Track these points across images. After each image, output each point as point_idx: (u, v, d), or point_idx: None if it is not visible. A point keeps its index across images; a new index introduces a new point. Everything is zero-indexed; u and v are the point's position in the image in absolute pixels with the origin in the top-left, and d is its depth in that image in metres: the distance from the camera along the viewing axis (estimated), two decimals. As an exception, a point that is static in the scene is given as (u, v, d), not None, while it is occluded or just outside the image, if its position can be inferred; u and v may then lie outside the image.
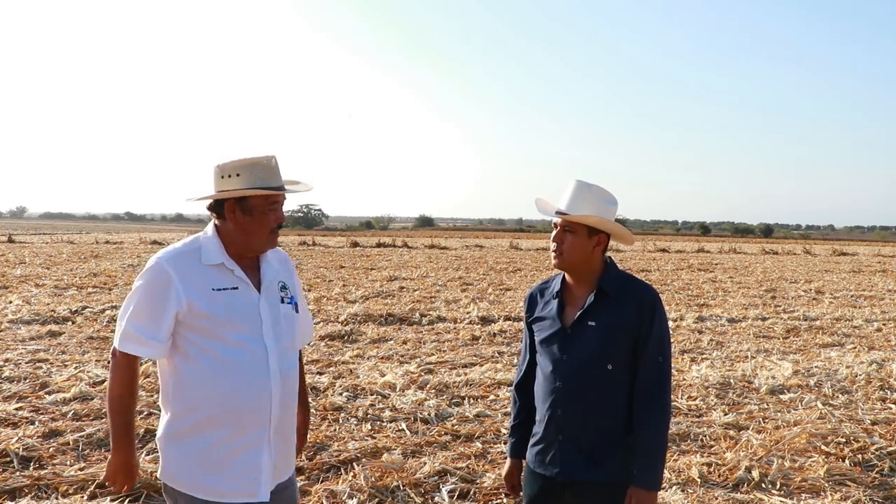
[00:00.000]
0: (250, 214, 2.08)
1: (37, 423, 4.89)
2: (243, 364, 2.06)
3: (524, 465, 2.40)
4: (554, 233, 2.23)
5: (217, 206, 2.13)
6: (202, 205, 2.20)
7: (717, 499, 4.01)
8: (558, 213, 2.22)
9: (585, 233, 2.20)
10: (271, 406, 2.10)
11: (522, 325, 2.50)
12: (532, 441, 2.34)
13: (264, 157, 2.09)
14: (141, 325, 2.02)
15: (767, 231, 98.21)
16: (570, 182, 2.24)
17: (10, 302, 10.73)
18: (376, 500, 3.87)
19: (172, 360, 2.09)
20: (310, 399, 2.60)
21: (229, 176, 2.06)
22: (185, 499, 2.08)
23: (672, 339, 8.89)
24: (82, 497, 3.78)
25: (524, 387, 2.42)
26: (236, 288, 2.09)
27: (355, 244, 32.10)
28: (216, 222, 2.15)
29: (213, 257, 2.09)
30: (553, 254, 2.24)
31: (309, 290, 13.22)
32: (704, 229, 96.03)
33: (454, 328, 9.47)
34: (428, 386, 6.19)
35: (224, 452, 2.07)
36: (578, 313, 2.21)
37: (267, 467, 2.11)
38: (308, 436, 2.54)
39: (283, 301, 2.20)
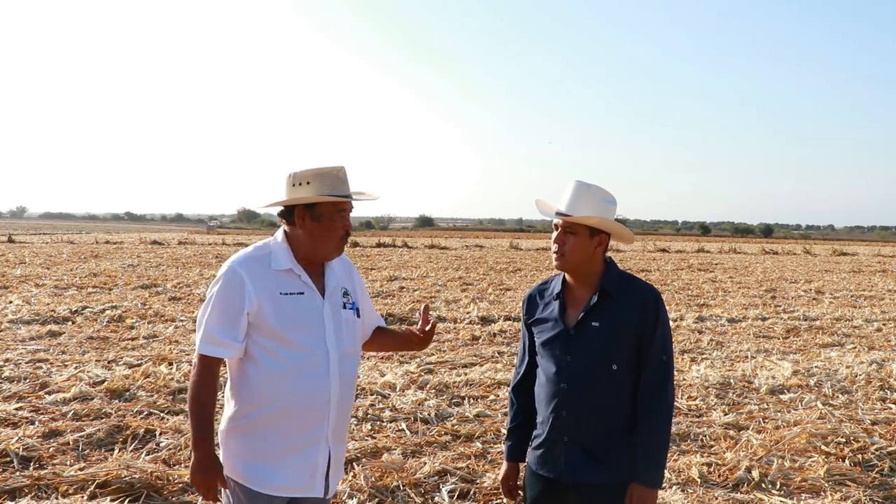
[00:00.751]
0: (319, 221, 2.17)
1: (37, 423, 4.89)
2: (305, 367, 2.15)
3: (525, 467, 2.39)
4: (555, 234, 2.23)
5: (287, 213, 2.21)
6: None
7: (717, 499, 4.01)
8: (559, 214, 2.22)
9: (587, 233, 2.19)
10: (329, 408, 2.19)
11: (521, 326, 2.49)
12: (534, 443, 2.33)
13: (334, 167, 2.18)
14: (219, 327, 2.12)
15: (767, 231, 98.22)
16: (570, 182, 2.23)
17: (10, 302, 10.73)
18: (376, 500, 3.87)
19: (240, 360, 2.18)
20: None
21: (300, 184, 2.16)
22: (241, 489, 2.17)
23: (672, 339, 8.82)
24: (82, 497, 3.78)
25: (522, 389, 2.42)
26: (302, 293, 2.19)
27: (355, 244, 32.10)
28: (286, 228, 2.24)
29: (282, 263, 2.18)
30: (555, 255, 2.23)
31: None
32: (704, 229, 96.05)
33: (454, 328, 9.47)
34: (428, 386, 6.19)
35: (283, 449, 2.16)
36: (581, 314, 2.21)
37: (322, 466, 2.21)
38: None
39: (345, 307, 2.29)
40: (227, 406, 2.23)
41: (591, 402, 2.18)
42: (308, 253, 2.21)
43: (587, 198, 2.20)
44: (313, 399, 2.15)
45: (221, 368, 2.22)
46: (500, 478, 2.48)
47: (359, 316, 2.35)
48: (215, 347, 2.12)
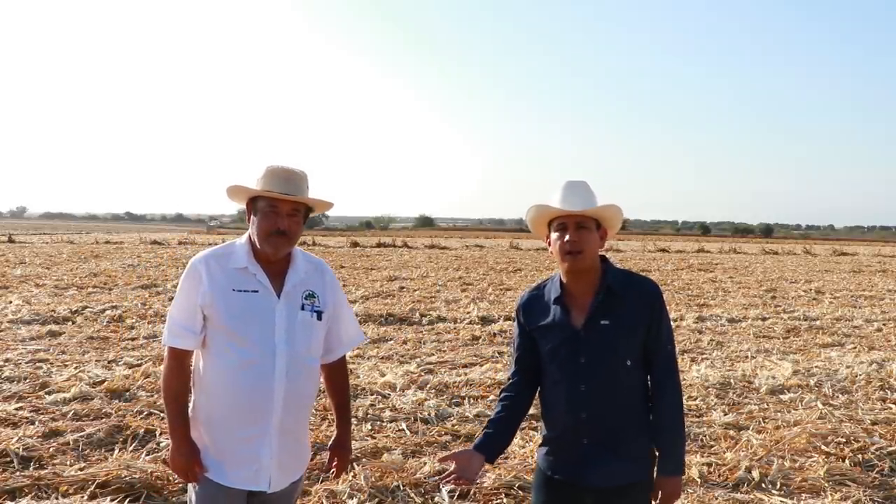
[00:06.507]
0: (255, 214, 2.25)
1: (37, 423, 4.89)
2: (250, 363, 2.18)
3: (535, 472, 2.37)
4: (568, 234, 2.17)
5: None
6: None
7: (717, 499, 4.01)
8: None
9: (595, 227, 2.21)
10: (273, 406, 2.20)
11: (514, 332, 2.40)
12: (547, 448, 2.29)
13: (288, 169, 2.23)
14: (178, 319, 2.23)
15: (767, 231, 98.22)
16: (561, 183, 2.23)
17: (10, 302, 10.73)
18: (376, 500, 3.87)
19: (199, 353, 2.27)
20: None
21: (259, 179, 2.24)
22: (203, 479, 2.25)
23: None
24: (82, 497, 3.78)
25: (511, 400, 2.32)
26: (256, 291, 2.22)
27: (355, 244, 32.09)
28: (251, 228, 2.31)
29: (239, 261, 2.24)
30: (570, 255, 2.16)
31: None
32: (704, 229, 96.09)
33: (454, 328, 9.47)
34: (428, 386, 6.19)
35: (228, 442, 2.23)
36: (589, 314, 2.19)
37: (266, 461, 2.23)
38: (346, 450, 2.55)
39: (303, 308, 2.28)
40: (191, 397, 2.32)
41: (611, 401, 2.17)
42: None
43: (585, 192, 2.21)
44: (256, 395, 2.18)
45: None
46: (452, 456, 2.24)
47: (320, 319, 2.31)
48: (175, 338, 2.22)
